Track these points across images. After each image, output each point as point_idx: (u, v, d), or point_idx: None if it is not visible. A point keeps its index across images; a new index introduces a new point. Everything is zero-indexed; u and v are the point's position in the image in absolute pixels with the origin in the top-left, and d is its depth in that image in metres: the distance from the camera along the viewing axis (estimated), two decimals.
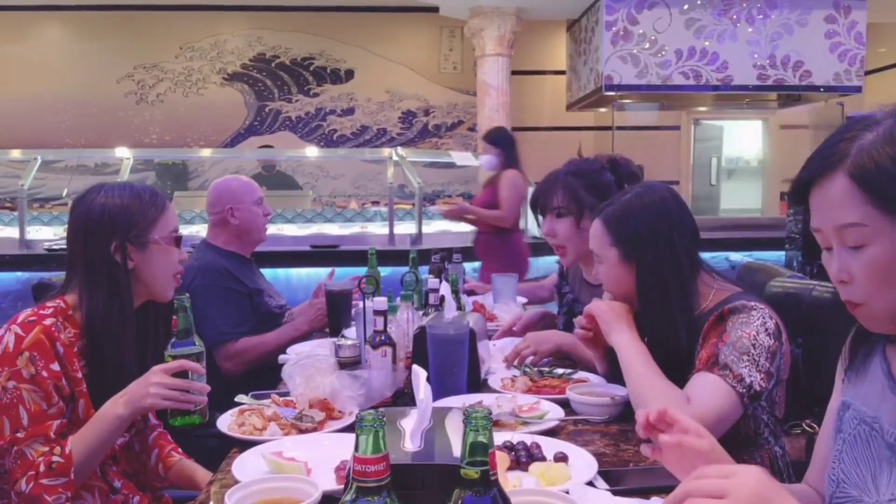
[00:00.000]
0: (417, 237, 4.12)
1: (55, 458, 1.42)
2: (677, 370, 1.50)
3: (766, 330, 1.45)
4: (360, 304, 1.87)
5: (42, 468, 1.41)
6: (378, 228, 4.53)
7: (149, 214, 1.61)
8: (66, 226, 1.63)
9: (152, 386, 1.44)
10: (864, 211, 0.94)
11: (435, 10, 7.93)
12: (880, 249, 0.94)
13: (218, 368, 2.47)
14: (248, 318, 2.57)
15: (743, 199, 8.91)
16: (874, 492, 1.02)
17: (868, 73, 7.22)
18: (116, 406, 1.46)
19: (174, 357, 1.50)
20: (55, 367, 1.45)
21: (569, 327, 2.38)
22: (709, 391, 1.40)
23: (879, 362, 1.05)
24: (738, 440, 1.47)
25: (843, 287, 1.00)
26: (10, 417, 1.43)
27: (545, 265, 4.41)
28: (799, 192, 1.02)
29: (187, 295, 1.54)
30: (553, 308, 2.74)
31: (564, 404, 1.63)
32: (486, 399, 1.62)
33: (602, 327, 1.64)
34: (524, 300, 2.85)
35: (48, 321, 1.48)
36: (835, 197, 0.96)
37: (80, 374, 1.50)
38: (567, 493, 1.11)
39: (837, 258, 0.99)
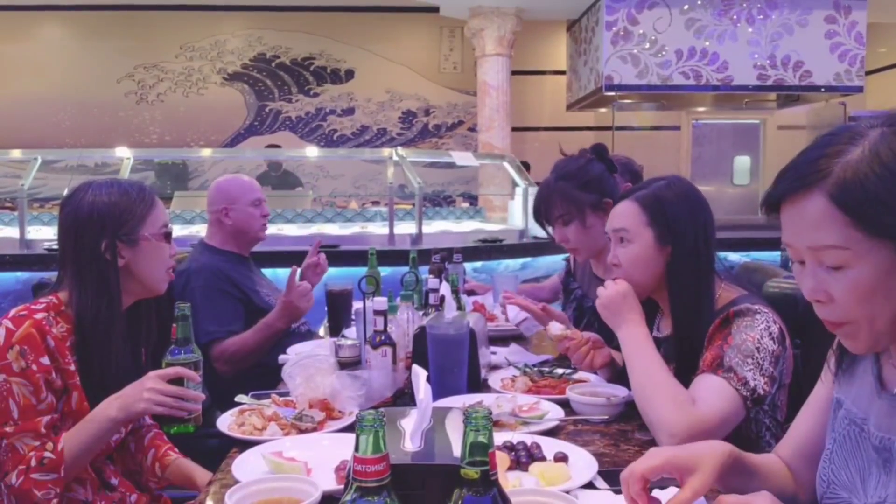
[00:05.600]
0: (417, 237, 4.11)
1: (47, 454, 1.42)
2: (695, 367, 1.49)
3: (770, 334, 1.45)
4: None
5: (33, 462, 1.42)
6: (378, 228, 4.52)
7: (138, 212, 1.61)
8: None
9: (146, 391, 1.44)
10: (846, 234, 0.88)
11: (435, 10, 7.94)
12: (863, 271, 0.89)
13: (214, 370, 2.46)
14: (238, 320, 2.52)
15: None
16: (863, 494, 1.00)
17: (868, 73, 7.22)
18: (110, 408, 1.46)
19: (171, 364, 1.50)
20: (45, 360, 1.45)
21: (577, 323, 2.40)
22: (713, 393, 1.39)
23: (871, 364, 1.03)
24: (740, 443, 1.45)
25: (820, 306, 0.95)
26: (0, 411, 1.43)
27: (545, 265, 4.40)
28: (771, 206, 0.97)
29: (189, 304, 1.54)
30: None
31: (564, 404, 1.63)
32: (486, 399, 1.62)
33: (608, 319, 1.61)
34: None
35: (39, 315, 1.48)
36: (811, 217, 0.90)
37: (72, 367, 1.50)
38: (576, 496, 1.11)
39: (812, 277, 0.93)
